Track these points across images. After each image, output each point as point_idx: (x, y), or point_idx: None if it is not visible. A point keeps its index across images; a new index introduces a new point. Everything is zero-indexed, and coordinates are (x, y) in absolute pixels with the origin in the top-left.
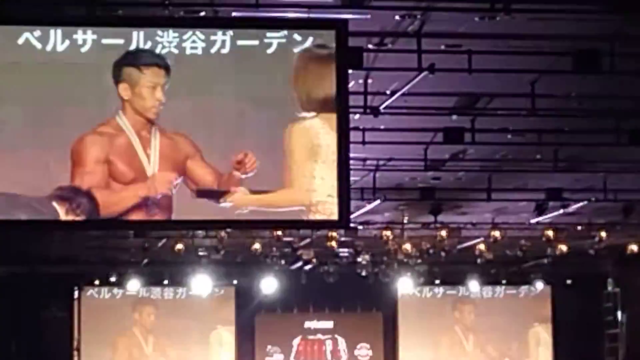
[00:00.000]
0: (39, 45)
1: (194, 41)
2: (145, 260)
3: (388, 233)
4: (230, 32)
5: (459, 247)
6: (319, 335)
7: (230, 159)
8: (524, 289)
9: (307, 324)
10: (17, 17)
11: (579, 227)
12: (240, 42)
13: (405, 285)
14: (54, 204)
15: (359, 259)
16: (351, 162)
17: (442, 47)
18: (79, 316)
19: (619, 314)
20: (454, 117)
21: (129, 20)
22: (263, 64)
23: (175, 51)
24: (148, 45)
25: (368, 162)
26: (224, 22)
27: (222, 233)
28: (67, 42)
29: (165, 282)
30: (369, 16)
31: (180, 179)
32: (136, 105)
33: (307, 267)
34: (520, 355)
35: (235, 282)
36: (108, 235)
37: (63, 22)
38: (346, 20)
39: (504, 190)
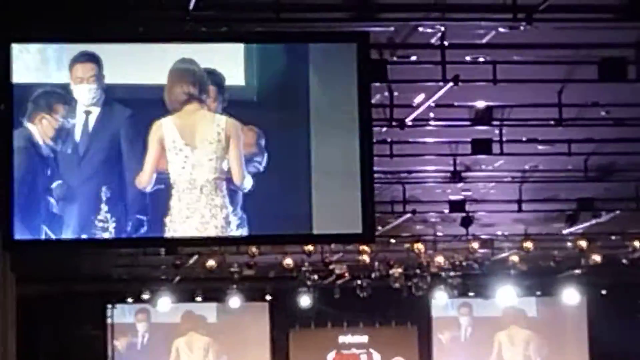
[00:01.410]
0: None
1: None
2: (178, 278)
3: (420, 246)
4: None
5: (492, 259)
6: (354, 350)
7: None
8: (558, 300)
9: (342, 339)
10: None
11: (612, 237)
12: None
13: (439, 298)
14: None
15: (392, 272)
16: (379, 175)
17: (467, 58)
18: (112, 334)
19: None
20: (480, 127)
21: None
22: None
23: None
24: None
25: (397, 175)
26: (245, 36)
27: (254, 249)
28: None
29: (198, 299)
30: (392, 28)
31: None
32: None
33: (340, 282)
34: None
35: (268, 297)
36: (139, 252)
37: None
38: (367, 33)
39: (535, 201)
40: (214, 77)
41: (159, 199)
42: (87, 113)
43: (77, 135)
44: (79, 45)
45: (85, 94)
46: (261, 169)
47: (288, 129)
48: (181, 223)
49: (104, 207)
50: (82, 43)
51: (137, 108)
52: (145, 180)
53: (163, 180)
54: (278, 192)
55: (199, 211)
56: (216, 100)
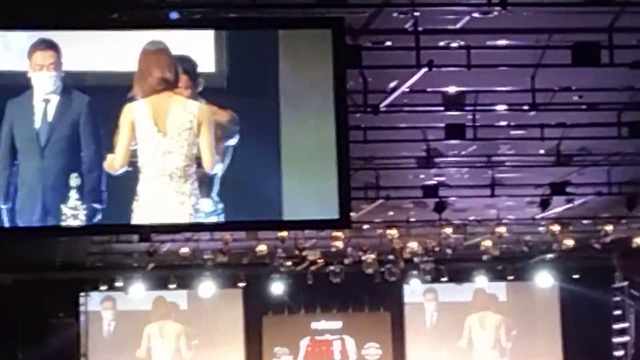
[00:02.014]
0: None
1: None
2: (151, 265)
3: (393, 232)
4: None
5: (464, 244)
6: (327, 336)
7: None
8: (530, 284)
9: (315, 325)
10: None
11: (584, 221)
12: None
13: (411, 283)
14: None
15: (365, 258)
16: (352, 161)
17: (441, 44)
18: (86, 322)
19: (628, 307)
20: (454, 112)
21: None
22: None
23: None
24: None
25: (370, 160)
26: (219, 22)
27: (227, 236)
28: None
29: (171, 286)
30: (366, 14)
31: None
32: None
33: (313, 268)
34: (530, 351)
35: (241, 284)
36: (112, 240)
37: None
38: (342, 19)
39: (507, 186)
40: (186, 63)
41: (128, 185)
42: (46, 101)
43: (37, 123)
44: (38, 32)
45: (44, 82)
46: (236, 155)
47: (258, 116)
48: (148, 210)
49: (74, 195)
50: (42, 30)
51: (100, 95)
52: (117, 165)
53: (132, 166)
54: (250, 179)
55: (167, 198)
56: (189, 86)
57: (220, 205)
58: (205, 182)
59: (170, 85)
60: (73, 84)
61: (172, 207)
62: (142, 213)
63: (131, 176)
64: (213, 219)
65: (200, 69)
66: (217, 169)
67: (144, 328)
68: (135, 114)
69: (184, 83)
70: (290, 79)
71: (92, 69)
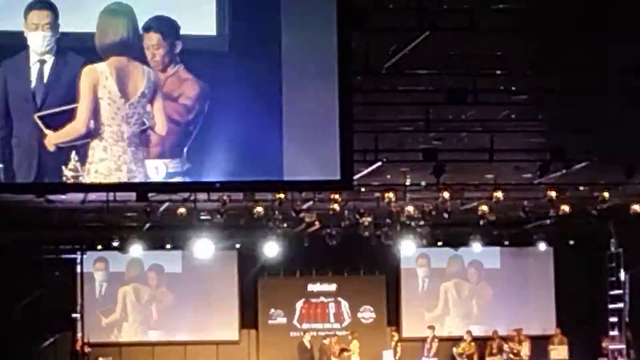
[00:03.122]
0: None
1: None
2: (147, 225)
3: (390, 195)
4: None
5: (461, 208)
6: (322, 298)
7: None
8: (526, 250)
9: (310, 287)
10: None
11: (582, 188)
12: None
13: (407, 247)
14: None
15: (361, 221)
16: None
17: (444, 7)
18: (82, 281)
19: (622, 274)
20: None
21: None
22: None
23: None
24: None
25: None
26: None
27: (224, 196)
28: None
29: (168, 246)
30: None
31: None
32: None
33: (310, 230)
34: (523, 317)
35: (237, 245)
36: (109, 200)
37: None
38: None
39: (506, 151)
40: (163, 23)
41: (86, 150)
42: (42, 62)
43: (33, 84)
44: None
45: (39, 42)
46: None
47: (259, 79)
48: (108, 175)
49: (74, 157)
50: None
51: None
52: (78, 128)
53: (94, 130)
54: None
55: (125, 163)
56: (161, 46)
57: (187, 166)
58: (166, 145)
59: (130, 47)
60: (69, 46)
61: (131, 170)
62: (98, 177)
63: (92, 140)
64: (178, 179)
65: (192, 32)
66: (168, 132)
67: (139, 289)
68: (100, 78)
69: (156, 42)
70: (293, 43)
71: (89, 30)
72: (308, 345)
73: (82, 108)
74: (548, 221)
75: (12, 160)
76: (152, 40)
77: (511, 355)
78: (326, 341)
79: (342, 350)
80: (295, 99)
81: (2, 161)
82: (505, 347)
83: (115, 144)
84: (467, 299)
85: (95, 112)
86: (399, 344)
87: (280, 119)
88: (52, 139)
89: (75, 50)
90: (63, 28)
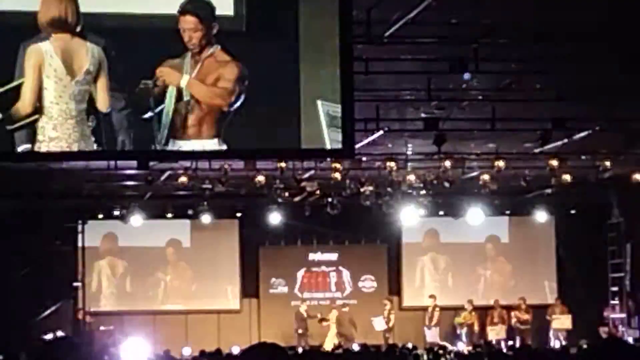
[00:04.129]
0: None
1: None
2: (149, 194)
3: (392, 164)
4: None
5: (462, 177)
6: (323, 268)
7: None
8: (527, 219)
9: (311, 256)
10: None
11: (583, 157)
12: None
13: (409, 216)
14: None
15: (363, 190)
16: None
17: None
18: (83, 249)
19: (624, 243)
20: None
21: None
22: None
23: None
24: None
25: (371, 92)
26: None
27: (226, 165)
28: None
29: (169, 215)
30: None
31: None
32: None
33: (311, 199)
34: (526, 286)
35: (239, 214)
36: (110, 168)
37: None
38: None
39: (507, 120)
40: (199, 4)
41: (34, 128)
42: None
43: None
44: None
45: None
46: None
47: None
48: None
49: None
50: None
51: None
52: (25, 106)
53: (39, 109)
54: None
55: (74, 140)
56: (198, 29)
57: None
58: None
59: (71, 24)
60: (89, 28)
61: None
62: None
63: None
64: None
65: (218, 12)
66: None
67: (140, 257)
68: (45, 56)
69: (194, 25)
70: (310, 22)
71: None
72: (304, 314)
73: (27, 87)
74: (549, 190)
75: None
76: (188, 23)
77: (518, 324)
78: (302, 307)
79: (321, 320)
80: (312, 78)
81: None
82: (513, 316)
83: (64, 122)
84: (467, 268)
85: (41, 91)
86: (392, 312)
87: (298, 99)
88: None
89: (94, 31)
90: (84, 8)
